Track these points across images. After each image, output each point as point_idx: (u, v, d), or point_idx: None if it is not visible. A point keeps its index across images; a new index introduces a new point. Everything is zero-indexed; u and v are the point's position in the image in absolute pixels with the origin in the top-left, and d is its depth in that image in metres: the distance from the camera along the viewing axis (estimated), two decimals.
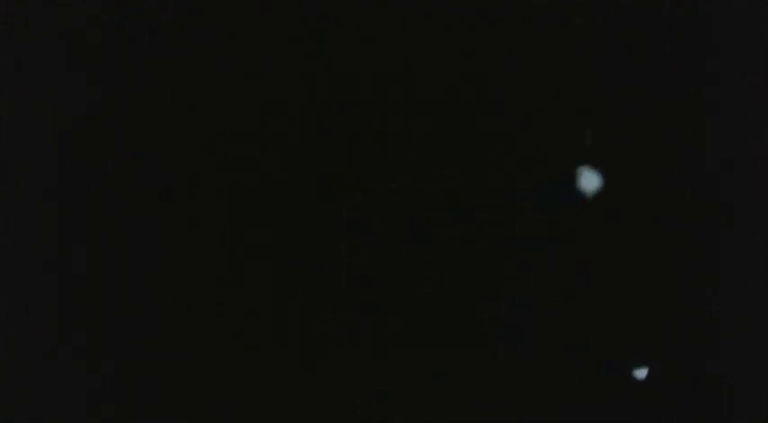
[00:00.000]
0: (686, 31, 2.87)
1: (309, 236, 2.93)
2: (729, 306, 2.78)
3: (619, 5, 2.89)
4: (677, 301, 2.81)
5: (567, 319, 2.84)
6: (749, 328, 2.75)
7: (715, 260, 2.81)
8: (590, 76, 2.91)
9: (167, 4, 2.93)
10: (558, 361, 2.82)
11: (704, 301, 2.79)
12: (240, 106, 2.96)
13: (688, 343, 2.79)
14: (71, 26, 2.90)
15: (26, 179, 2.86)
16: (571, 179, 2.90)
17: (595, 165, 2.89)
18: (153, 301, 2.88)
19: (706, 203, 2.83)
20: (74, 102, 2.90)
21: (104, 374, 2.83)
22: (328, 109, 2.96)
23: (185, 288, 2.89)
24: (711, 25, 2.85)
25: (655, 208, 2.86)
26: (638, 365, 2.79)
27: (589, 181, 2.75)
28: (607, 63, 2.90)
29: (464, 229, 2.90)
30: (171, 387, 2.83)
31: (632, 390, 2.79)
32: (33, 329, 2.82)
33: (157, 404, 2.82)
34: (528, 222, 2.89)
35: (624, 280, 2.85)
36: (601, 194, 2.88)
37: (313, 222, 2.94)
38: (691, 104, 2.86)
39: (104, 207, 2.90)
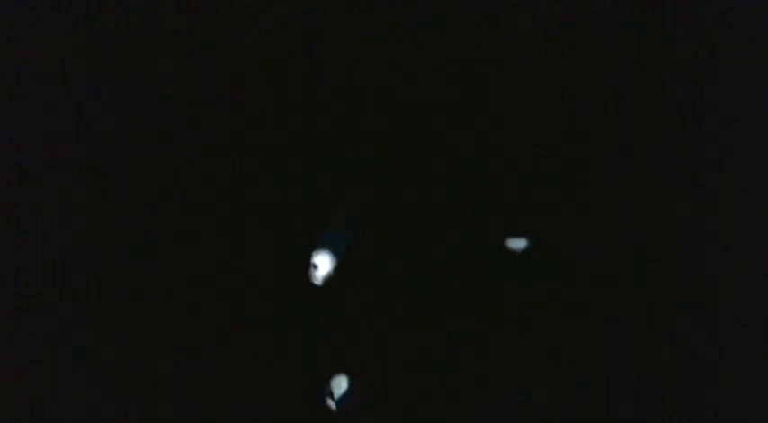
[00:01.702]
0: (686, 31, 2.87)
1: (308, 236, 2.93)
2: (729, 306, 2.78)
3: (620, 5, 2.89)
4: (677, 302, 2.82)
5: (567, 318, 2.84)
6: (749, 328, 2.75)
7: (715, 260, 2.81)
8: (590, 75, 2.91)
9: (167, 5, 2.93)
10: (557, 361, 2.82)
11: (704, 300, 2.80)
12: (239, 107, 2.96)
13: (688, 343, 2.79)
14: (71, 26, 2.90)
15: (26, 179, 2.87)
16: (569, 179, 2.90)
17: (596, 164, 2.90)
18: (152, 301, 2.88)
19: (705, 203, 2.83)
20: (74, 103, 2.90)
21: (104, 374, 2.83)
22: (328, 109, 2.97)
23: (184, 289, 2.89)
24: (711, 25, 2.85)
25: (655, 208, 2.86)
26: (639, 367, 2.79)
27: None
28: (607, 63, 2.91)
29: (463, 228, 2.90)
30: (170, 387, 2.84)
31: (632, 390, 2.79)
32: (33, 329, 2.83)
33: (157, 404, 2.82)
34: (527, 222, 2.89)
35: (624, 280, 2.85)
36: (601, 194, 2.88)
37: (312, 222, 2.94)
38: (691, 105, 2.86)
39: (104, 206, 2.90)
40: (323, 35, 2.94)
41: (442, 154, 2.92)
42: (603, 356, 2.81)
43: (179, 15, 2.94)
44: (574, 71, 2.91)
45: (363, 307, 2.89)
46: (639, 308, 2.83)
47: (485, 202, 2.91)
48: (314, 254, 2.68)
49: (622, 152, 2.89)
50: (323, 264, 2.67)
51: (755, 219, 2.80)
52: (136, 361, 2.84)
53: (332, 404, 2.73)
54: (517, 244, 2.74)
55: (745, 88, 2.84)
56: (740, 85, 2.84)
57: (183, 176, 2.93)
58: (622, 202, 2.87)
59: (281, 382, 2.84)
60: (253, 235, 2.92)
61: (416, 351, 2.85)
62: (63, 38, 2.91)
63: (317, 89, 2.94)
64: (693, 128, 2.86)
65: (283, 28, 2.95)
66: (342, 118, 2.93)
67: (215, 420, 2.82)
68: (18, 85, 2.90)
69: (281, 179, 2.93)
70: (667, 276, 2.83)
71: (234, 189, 2.93)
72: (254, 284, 2.89)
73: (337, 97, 2.94)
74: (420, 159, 2.93)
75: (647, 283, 2.83)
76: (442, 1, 2.93)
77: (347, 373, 2.84)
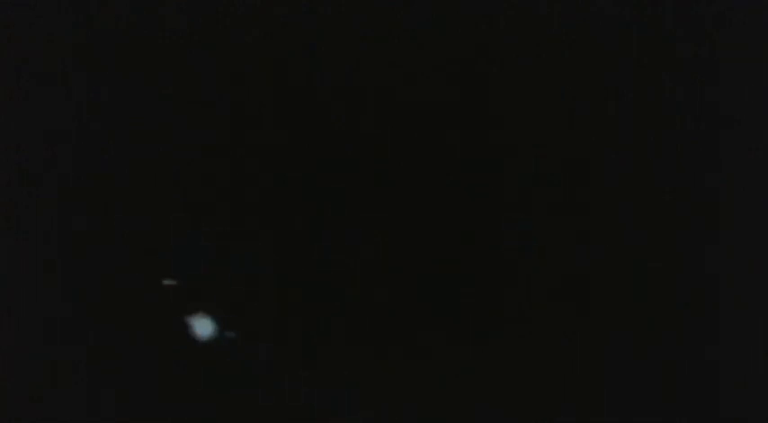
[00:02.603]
0: (686, 31, 2.87)
1: (308, 236, 2.93)
2: (730, 305, 2.78)
3: (619, 5, 2.89)
4: (677, 302, 2.82)
5: (567, 318, 2.84)
6: (750, 328, 2.75)
7: (715, 260, 2.81)
8: (591, 75, 2.92)
9: (167, 6, 2.93)
10: (557, 361, 2.82)
11: (704, 300, 2.80)
12: (239, 107, 2.96)
13: (688, 343, 2.79)
14: (71, 26, 2.90)
15: (26, 179, 2.87)
16: (569, 180, 2.90)
17: (596, 164, 2.90)
18: (152, 301, 2.88)
19: (706, 203, 2.83)
20: (74, 103, 2.90)
21: (104, 375, 2.84)
22: (328, 109, 2.97)
23: (183, 290, 2.89)
24: (711, 25, 2.85)
25: (655, 208, 2.86)
26: (639, 367, 2.79)
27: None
28: (607, 63, 2.91)
29: (464, 228, 2.90)
30: (170, 387, 2.84)
31: (632, 389, 2.79)
32: (33, 330, 2.83)
33: (157, 404, 2.82)
34: (528, 223, 2.89)
35: (624, 280, 2.85)
36: (601, 194, 2.89)
37: (311, 223, 2.94)
38: (691, 105, 2.87)
39: (103, 207, 2.90)
40: (323, 35, 2.95)
41: (441, 154, 2.93)
42: (603, 356, 2.81)
43: (179, 15, 2.94)
44: (574, 71, 2.91)
45: (363, 306, 2.89)
46: (639, 307, 2.83)
47: (484, 201, 2.91)
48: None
49: (622, 152, 2.89)
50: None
51: (756, 218, 2.80)
52: (134, 361, 2.84)
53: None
54: None
55: (745, 88, 2.84)
56: (740, 85, 2.84)
57: (183, 176, 2.93)
58: (622, 202, 2.87)
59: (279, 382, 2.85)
60: (252, 235, 2.92)
61: (415, 351, 2.85)
62: (63, 38, 2.91)
63: (317, 89, 2.94)
64: (693, 128, 2.87)
65: (283, 28, 2.95)
66: (342, 118, 2.94)
67: (214, 420, 2.82)
68: (18, 85, 2.90)
69: (281, 179, 2.93)
70: (667, 276, 2.83)
71: (234, 189, 2.94)
72: (254, 283, 2.90)
73: (337, 97, 2.94)
74: (419, 159, 2.93)
75: (647, 282, 2.83)
76: (442, 1, 2.93)
77: (346, 373, 2.85)
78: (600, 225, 2.88)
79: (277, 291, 2.92)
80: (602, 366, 2.81)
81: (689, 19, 2.87)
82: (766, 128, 2.82)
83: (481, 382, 2.82)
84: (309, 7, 2.95)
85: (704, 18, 2.86)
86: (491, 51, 2.94)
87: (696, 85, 2.87)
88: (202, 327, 2.86)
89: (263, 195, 2.95)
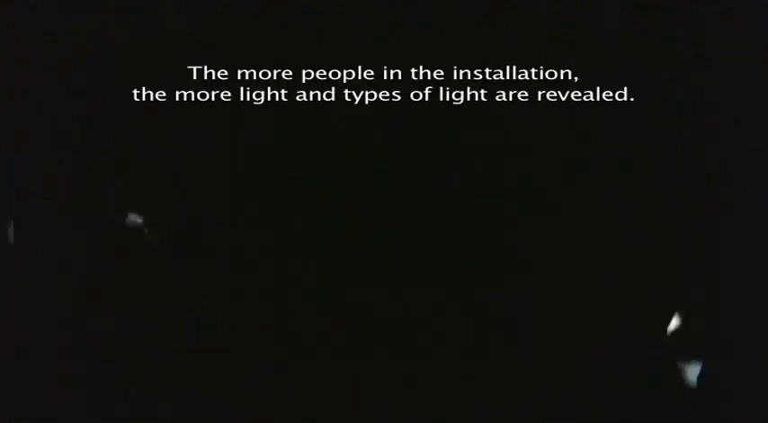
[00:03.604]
0: (686, 31, 2.87)
1: (307, 236, 2.93)
2: (729, 306, 2.78)
3: (620, 5, 2.89)
4: (677, 301, 2.82)
5: (567, 318, 2.84)
6: (749, 327, 2.75)
7: (715, 260, 2.81)
8: (591, 75, 2.91)
9: (167, 4, 2.93)
10: (557, 361, 2.82)
11: (705, 301, 2.80)
12: (239, 109, 2.96)
13: (689, 343, 2.79)
14: (71, 26, 2.90)
15: (26, 179, 2.87)
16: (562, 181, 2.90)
17: (596, 164, 2.90)
18: (151, 302, 2.88)
19: (706, 203, 2.83)
20: (74, 103, 2.90)
21: (104, 375, 2.83)
22: (328, 111, 2.97)
23: (181, 290, 2.89)
24: (711, 25, 2.85)
25: (655, 208, 2.86)
26: (639, 364, 2.79)
27: None
28: (607, 63, 2.91)
29: (464, 228, 2.90)
30: (169, 388, 2.84)
31: (632, 389, 2.79)
32: (34, 330, 2.83)
33: (157, 404, 2.82)
34: (527, 222, 2.89)
35: (624, 280, 2.85)
36: (601, 194, 2.88)
37: (311, 223, 2.94)
38: (691, 105, 2.86)
39: (103, 207, 2.90)
40: (323, 35, 2.94)
41: (441, 154, 2.92)
42: (603, 356, 2.81)
43: (179, 15, 2.94)
44: (573, 71, 2.91)
45: (363, 306, 2.89)
46: (639, 307, 2.83)
47: (484, 201, 2.91)
48: None
49: (622, 152, 2.89)
50: None
51: (756, 219, 2.80)
52: (132, 361, 2.84)
53: None
54: None
55: (745, 88, 2.83)
56: (740, 85, 2.84)
57: (183, 176, 2.93)
58: (622, 202, 2.87)
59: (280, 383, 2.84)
60: (252, 235, 2.92)
61: (416, 351, 2.85)
62: (63, 38, 2.91)
63: (317, 88, 2.94)
64: (693, 128, 2.86)
65: (283, 28, 2.95)
66: (342, 118, 2.94)
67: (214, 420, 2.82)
68: (18, 85, 2.90)
69: (281, 179, 2.93)
70: (667, 275, 2.83)
71: (234, 189, 2.93)
72: (254, 285, 2.90)
73: (337, 96, 2.94)
74: (419, 159, 2.93)
75: (647, 282, 2.83)
76: (442, 1, 2.93)
77: (348, 372, 2.85)
78: (600, 225, 2.88)
79: (277, 291, 2.91)
80: (602, 366, 2.81)
81: (689, 19, 2.87)
82: (766, 128, 2.82)
83: (481, 383, 2.82)
84: (309, 7, 2.95)
85: (704, 18, 2.86)
86: (491, 51, 2.94)
87: (696, 85, 2.86)
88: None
89: (262, 195, 2.95)
